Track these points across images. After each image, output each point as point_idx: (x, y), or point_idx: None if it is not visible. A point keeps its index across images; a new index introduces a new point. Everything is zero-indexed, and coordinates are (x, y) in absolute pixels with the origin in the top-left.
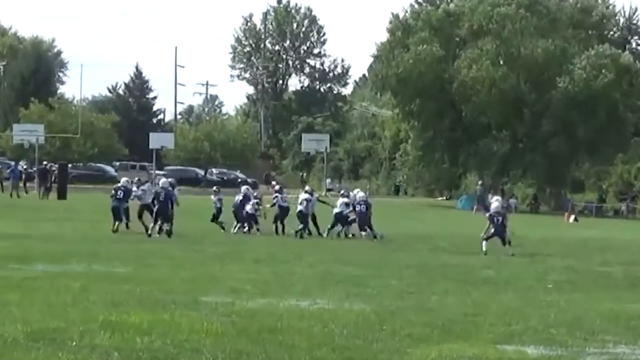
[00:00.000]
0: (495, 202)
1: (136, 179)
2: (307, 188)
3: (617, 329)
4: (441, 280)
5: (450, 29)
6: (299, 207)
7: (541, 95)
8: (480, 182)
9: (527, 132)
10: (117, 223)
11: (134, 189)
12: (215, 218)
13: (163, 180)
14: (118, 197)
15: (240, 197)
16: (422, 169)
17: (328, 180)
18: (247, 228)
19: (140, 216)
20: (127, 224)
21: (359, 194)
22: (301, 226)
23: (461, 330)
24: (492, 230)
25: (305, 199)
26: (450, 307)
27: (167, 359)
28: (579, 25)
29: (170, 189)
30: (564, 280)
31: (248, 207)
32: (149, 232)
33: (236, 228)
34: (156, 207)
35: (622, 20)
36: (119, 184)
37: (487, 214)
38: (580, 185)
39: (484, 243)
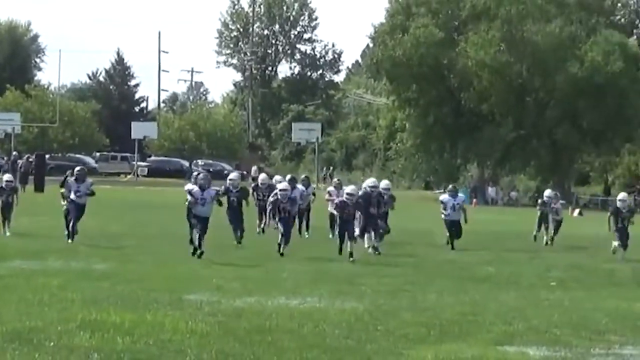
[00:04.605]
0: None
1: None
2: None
3: (624, 329)
4: (438, 278)
5: (451, 10)
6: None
7: (546, 82)
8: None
9: (531, 121)
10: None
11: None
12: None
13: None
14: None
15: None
16: (419, 159)
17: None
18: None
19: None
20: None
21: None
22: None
23: (459, 331)
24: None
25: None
26: (447, 306)
27: None
28: (588, 9)
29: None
30: (568, 277)
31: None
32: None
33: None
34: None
35: (633, 2)
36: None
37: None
38: (585, 177)
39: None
